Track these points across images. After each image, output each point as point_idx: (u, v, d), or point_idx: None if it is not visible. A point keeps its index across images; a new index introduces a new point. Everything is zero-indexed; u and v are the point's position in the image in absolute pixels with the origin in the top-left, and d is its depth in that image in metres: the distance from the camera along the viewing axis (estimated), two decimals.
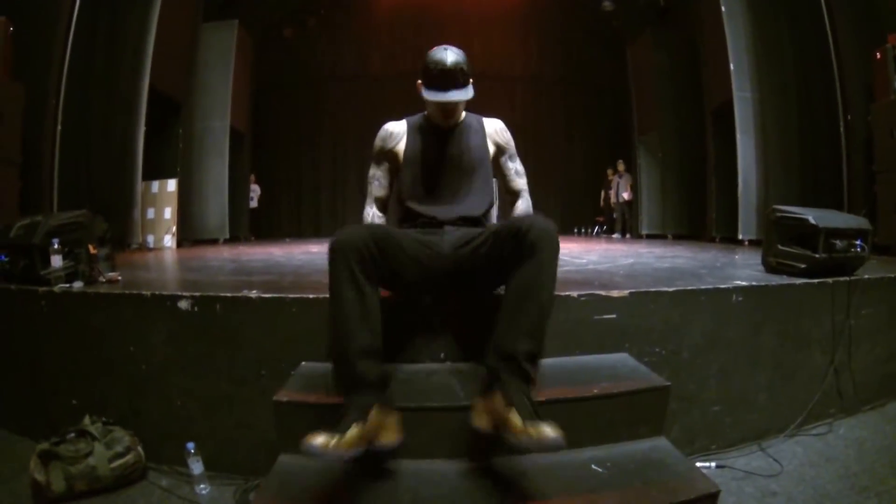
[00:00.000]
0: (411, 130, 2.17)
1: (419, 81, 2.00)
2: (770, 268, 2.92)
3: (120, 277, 2.78)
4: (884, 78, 5.12)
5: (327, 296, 2.05)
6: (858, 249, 2.69)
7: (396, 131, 2.18)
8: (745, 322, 2.38)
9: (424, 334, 2.03)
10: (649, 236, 10.01)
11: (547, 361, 2.04)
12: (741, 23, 7.04)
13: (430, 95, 1.97)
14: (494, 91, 12.02)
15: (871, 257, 2.89)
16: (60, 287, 2.43)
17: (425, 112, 2.18)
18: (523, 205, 2.27)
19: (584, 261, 4.20)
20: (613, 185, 11.39)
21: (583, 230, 12.73)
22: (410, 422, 1.67)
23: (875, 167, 5.21)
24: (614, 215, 11.50)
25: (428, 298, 2.04)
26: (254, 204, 11.28)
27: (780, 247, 2.84)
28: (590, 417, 1.76)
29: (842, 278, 2.61)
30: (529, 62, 13.35)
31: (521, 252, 1.65)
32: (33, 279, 2.48)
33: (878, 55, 5.18)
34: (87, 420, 2.15)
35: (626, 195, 10.97)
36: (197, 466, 2.03)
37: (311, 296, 2.12)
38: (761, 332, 2.41)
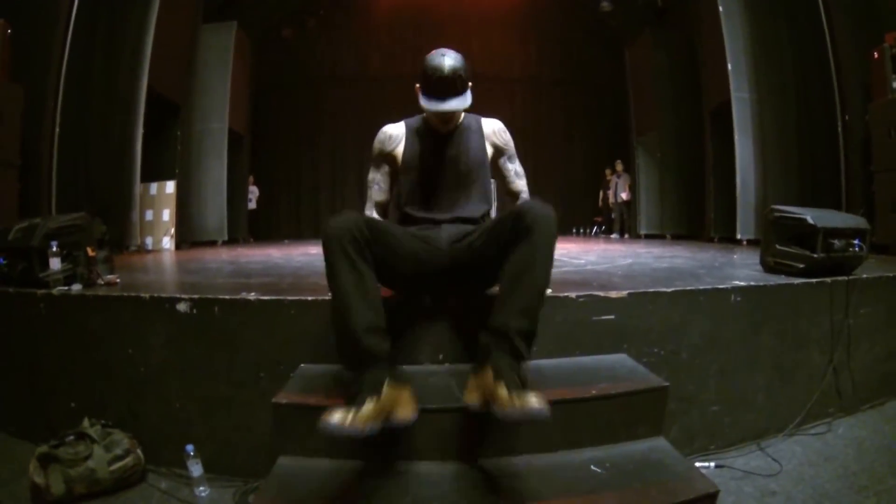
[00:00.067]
0: (410, 134, 2.16)
1: (417, 86, 1.99)
2: (768, 268, 2.93)
3: (118, 280, 2.78)
4: (881, 77, 5.13)
5: (326, 298, 2.07)
6: (856, 249, 2.70)
7: (395, 134, 2.16)
8: (744, 322, 2.38)
9: (423, 335, 2.04)
10: (648, 236, 10.02)
11: (546, 362, 2.05)
12: (739, 23, 7.04)
13: (427, 104, 1.96)
14: (493, 92, 12.01)
15: (870, 257, 2.89)
16: (59, 290, 2.43)
17: (424, 114, 2.16)
18: None
19: (583, 261, 4.20)
20: (612, 185, 11.41)
21: (581, 230, 12.73)
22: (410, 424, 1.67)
23: (873, 167, 5.22)
24: (613, 215, 11.51)
25: (427, 299, 2.04)
26: (252, 205, 11.27)
27: (778, 247, 2.85)
28: (589, 418, 1.76)
29: (840, 278, 2.61)
30: (528, 63, 13.36)
31: (518, 234, 1.67)
32: (32, 282, 2.47)
33: (876, 55, 5.19)
34: (86, 423, 2.15)
35: (624, 195, 10.98)
36: (196, 469, 2.03)
37: (309, 298, 2.12)
38: (760, 331, 2.41)
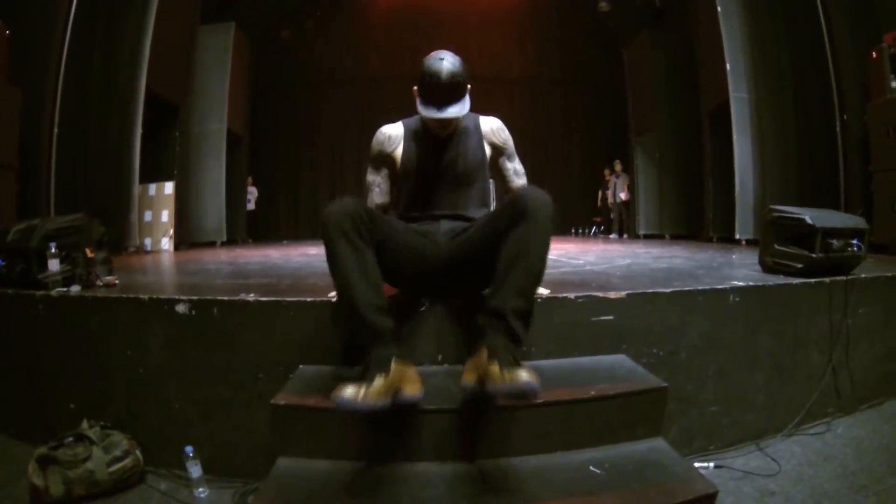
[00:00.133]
0: (408, 135, 2.14)
1: (415, 89, 1.97)
2: (767, 268, 2.93)
3: (117, 281, 2.78)
4: (880, 77, 5.13)
5: (325, 299, 2.08)
6: (855, 249, 2.70)
7: (394, 135, 2.14)
8: (743, 322, 2.38)
9: (421, 337, 2.03)
10: (646, 236, 10.02)
11: (544, 363, 2.05)
12: (738, 23, 7.05)
13: (425, 112, 1.94)
14: (492, 92, 12.03)
15: (868, 256, 2.90)
16: (58, 291, 2.43)
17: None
18: None
19: (582, 261, 4.20)
20: (610, 185, 11.42)
21: (580, 230, 12.73)
22: (409, 424, 1.68)
23: (871, 167, 5.22)
24: (611, 216, 11.51)
25: (425, 301, 2.04)
26: (251, 206, 11.26)
27: (777, 247, 2.85)
28: (588, 419, 1.77)
29: (839, 278, 2.61)
30: (527, 63, 13.36)
31: (514, 219, 1.70)
32: (30, 283, 2.47)
33: (874, 55, 5.19)
34: (84, 424, 2.15)
35: (623, 195, 10.98)
36: (195, 470, 2.03)
37: (308, 299, 2.12)
38: (759, 332, 2.41)
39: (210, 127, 8.93)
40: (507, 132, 2.22)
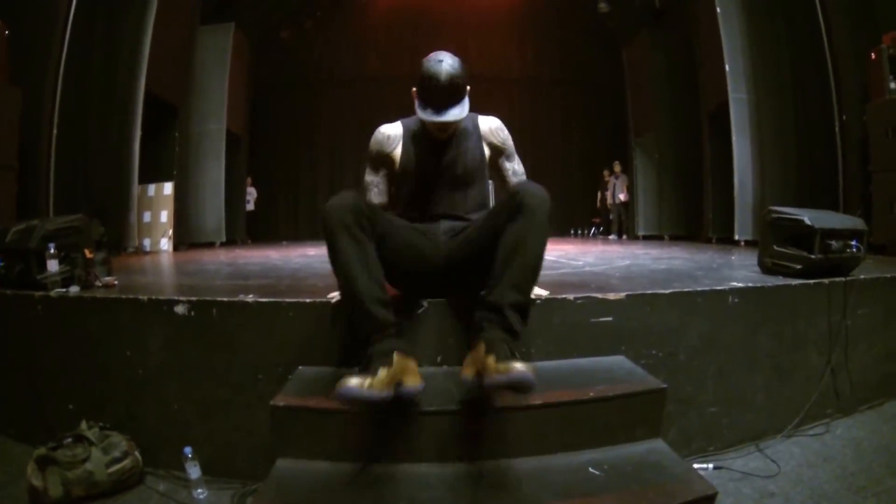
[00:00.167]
0: (407, 136, 2.12)
1: (414, 90, 1.96)
2: (766, 269, 2.93)
3: (116, 282, 2.78)
4: (879, 78, 5.14)
5: (324, 300, 2.08)
6: (854, 250, 2.70)
7: (393, 135, 2.12)
8: (742, 323, 2.38)
9: (422, 338, 2.03)
10: (646, 237, 10.03)
11: (544, 364, 2.05)
12: (737, 24, 7.06)
13: (424, 115, 1.93)
14: (491, 92, 12.04)
15: (867, 257, 2.90)
16: (57, 291, 2.43)
17: None
18: None
19: (581, 262, 4.21)
20: (610, 186, 11.43)
21: (579, 231, 12.74)
22: (408, 425, 1.68)
23: (870, 167, 5.23)
24: (611, 216, 11.53)
25: (425, 302, 2.04)
26: (250, 207, 11.26)
27: (776, 248, 2.85)
28: (587, 420, 1.76)
29: (838, 279, 2.61)
30: (526, 63, 13.38)
31: (512, 213, 1.73)
32: (29, 284, 2.47)
33: (874, 55, 5.19)
34: (83, 425, 2.14)
35: (622, 196, 11.00)
36: (194, 471, 2.03)
37: (307, 300, 2.12)
38: (758, 333, 2.41)
39: (209, 127, 8.93)
40: (506, 132, 2.20)
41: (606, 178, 11.62)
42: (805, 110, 6.65)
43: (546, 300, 2.11)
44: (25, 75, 5.18)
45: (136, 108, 6.71)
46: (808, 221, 2.66)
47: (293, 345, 2.10)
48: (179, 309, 2.19)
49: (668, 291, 2.27)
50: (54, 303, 2.38)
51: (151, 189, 7.53)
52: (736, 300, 2.36)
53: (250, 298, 2.17)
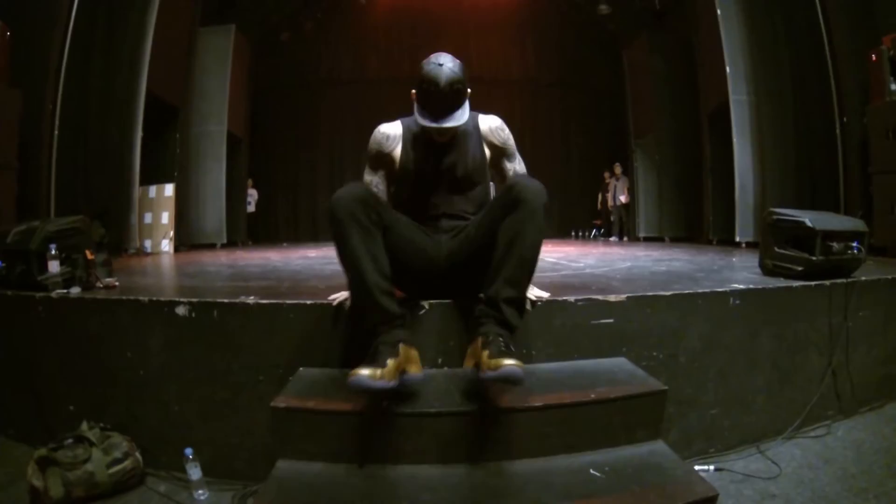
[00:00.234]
0: (406, 136, 2.09)
1: (413, 92, 1.91)
2: (767, 270, 2.93)
3: (117, 283, 2.78)
4: (879, 79, 5.14)
5: (324, 301, 2.08)
6: (855, 251, 2.70)
7: (393, 134, 2.09)
8: (743, 325, 2.38)
9: (422, 340, 2.03)
10: (646, 239, 10.03)
11: (544, 366, 2.05)
12: (737, 25, 7.07)
13: (423, 120, 1.89)
14: (491, 94, 12.03)
15: (868, 259, 2.90)
16: (58, 293, 2.43)
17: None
18: None
19: (582, 264, 4.21)
20: (610, 188, 11.43)
21: (580, 233, 12.74)
22: (409, 427, 1.67)
23: (871, 169, 5.23)
24: (612, 218, 11.52)
25: (426, 304, 2.04)
26: (251, 208, 11.27)
27: (776, 249, 2.85)
28: (588, 422, 1.76)
29: (839, 280, 2.61)
30: (526, 65, 13.38)
31: (507, 208, 1.76)
32: (30, 285, 2.47)
33: (874, 57, 5.19)
34: (84, 426, 2.14)
35: (623, 198, 11.00)
36: (195, 472, 2.02)
37: (308, 301, 2.12)
38: (759, 334, 2.41)
39: (210, 129, 8.95)
40: (506, 131, 2.16)
41: (607, 180, 11.63)
42: (805, 112, 6.65)
43: (547, 302, 2.11)
44: (26, 76, 5.18)
45: (136, 109, 6.72)
46: (809, 223, 2.66)
47: (293, 346, 2.10)
48: (180, 310, 2.19)
49: (668, 293, 2.27)
50: (55, 304, 2.38)
51: (152, 190, 7.54)
52: (737, 302, 2.35)
53: (251, 300, 2.17)
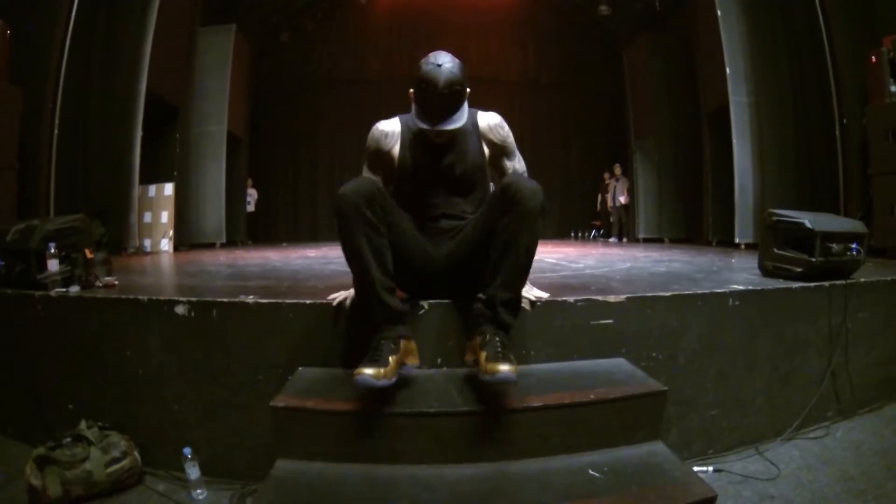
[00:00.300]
0: (405, 134, 2.06)
1: (411, 91, 1.88)
2: (766, 272, 2.93)
3: (116, 282, 2.78)
4: (879, 81, 5.13)
5: (323, 301, 2.08)
6: (854, 253, 2.70)
7: (391, 132, 2.06)
8: (742, 326, 2.38)
9: (421, 340, 2.03)
10: (646, 240, 10.02)
11: (544, 367, 2.05)
12: (737, 27, 7.07)
13: (421, 122, 1.87)
14: (491, 95, 12.03)
15: (867, 260, 2.90)
16: (57, 291, 2.43)
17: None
18: None
19: (581, 265, 4.21)
20: (610, 188, 11.43)
21: (580, 234, 12.74)
22: (408, 427, 1.67)
23: (870, 170, 5.23)
24: (611, 219, 11.53)
25: (425, 304, 2.04)
26: (251, 208, 11.26)
27: (776, 251, 2.85)
28: (587, 423, 1.76)
29: (838, 282, 2.61)
30: (526, 66, 13.39)
31: (503, 208, 1.77)
32: (30, 284, 2.47)
33: (874, 58, 5.19)
34: (83, 425, 2.14)
35: (622, 199, 11.00)
36: (194, 471, 2.02)
37: (307, 301, 2.11)
38: (758, 335, 2.41)
39: (210, 128, 8.94)
40: (506, 128, 2.11)
41: (607, 181, 11.63)
42: (805, 113, 6.65)
43: (547, 302, 2.11)
44: (27, 75, 5.18)
45: (137, 108, 6.72)
46: (808, 224, 2.66)
47: (293, 346, 2.10)
48: (179, 309, 2.19)
49: (668, 294, 2.27)
50: (54, 303, 2.38)
51: (152, 190, 7.54)
52: (736, 303, 2.35)
53: (250, 299, 2.17)
